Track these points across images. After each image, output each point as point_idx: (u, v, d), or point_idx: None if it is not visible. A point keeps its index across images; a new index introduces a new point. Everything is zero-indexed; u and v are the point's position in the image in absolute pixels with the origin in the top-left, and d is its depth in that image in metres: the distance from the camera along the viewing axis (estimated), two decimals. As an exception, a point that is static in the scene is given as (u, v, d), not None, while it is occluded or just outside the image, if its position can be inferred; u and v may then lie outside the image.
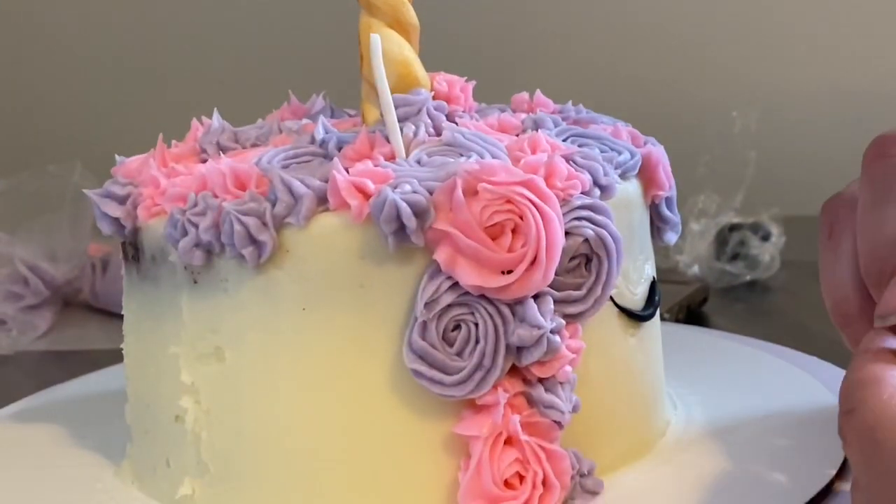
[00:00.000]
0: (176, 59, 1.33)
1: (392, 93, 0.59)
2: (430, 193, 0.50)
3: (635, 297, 0.58)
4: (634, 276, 0.58)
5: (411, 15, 0.62)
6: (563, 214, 0.52)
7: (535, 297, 0.51)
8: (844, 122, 1.29)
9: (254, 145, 0.61)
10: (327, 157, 0.56)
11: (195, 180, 0.55)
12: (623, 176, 0.57)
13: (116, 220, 0.58)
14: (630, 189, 0.58)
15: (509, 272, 0.50)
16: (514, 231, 0.50)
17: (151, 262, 0.57)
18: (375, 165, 0.53)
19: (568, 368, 0.52)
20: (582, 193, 0.53)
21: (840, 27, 1.31)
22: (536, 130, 0.58)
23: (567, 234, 0.52)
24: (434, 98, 0.61)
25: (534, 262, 0.50)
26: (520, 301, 0.51)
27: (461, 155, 0.53)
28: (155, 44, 1.35)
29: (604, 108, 0.66)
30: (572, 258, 0.53)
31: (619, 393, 0.58)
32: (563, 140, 0.57)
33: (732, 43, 1.31)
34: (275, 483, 0.53)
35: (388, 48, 0.60)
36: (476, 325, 0.51)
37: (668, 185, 0.60)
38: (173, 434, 0.56)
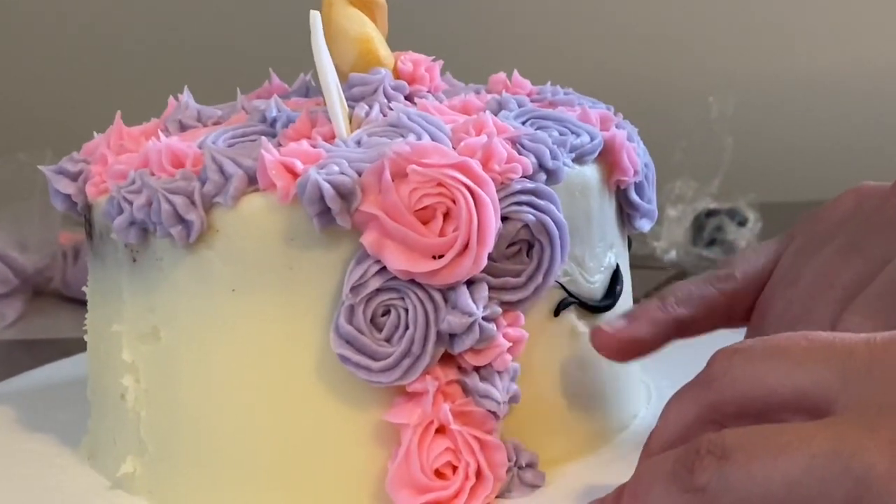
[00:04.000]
0: (149, 43, 1.32)
1: (351, 71, 0.59)
2: (360, 175, 0.49)
3: (592, 286, 0.56)
4: (591, 264, 0.56)
5: (376, -8, 0.60)
6: (502, 199, 0.50)
7: (470, 282, 0.50)
8: (821, 108, 1.28)
9: (216, 123, 0.60)
10: (274, 136, 0.55)
11: (139, 158, 0.54)
12: (580, 159, 0.55)
13: (68, 196, 0.58)
14: (587, 173, 0.56)
15: (440, 257, 0.49)
16: (445, 215, 0.49)
17: (100, 240, 0.57)
18: (313, 146, 0.52)
19: (507, 357, 0.51)
20: (524, 177, 0.51)
21: (816, 14, 1.30)
22: (499, 111, 0.57)
23: (506, 219, 0.50)
24: (397, 78, 0.59)
25: (465, 247, 0.49)
26: (452, 287, 0.49)
27: (401, 135, 0.52)
28: (127, 27, 1.34)
29: (580, 91, 0.65)
30: (512, 244, 0.51)
31: (567, 385, 0.56)
32: (524, 122, 0.56)
33: (710, 28, 1.31)
34: (209, 464, 0.53)
35: (348, 26, 0.59)
36: (406, 310, 0.50)
37: (632, 170, 0.58)
38: (118, 412, 0.56)
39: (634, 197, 0.59)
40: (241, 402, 0.52)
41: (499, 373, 0.51)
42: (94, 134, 0.61)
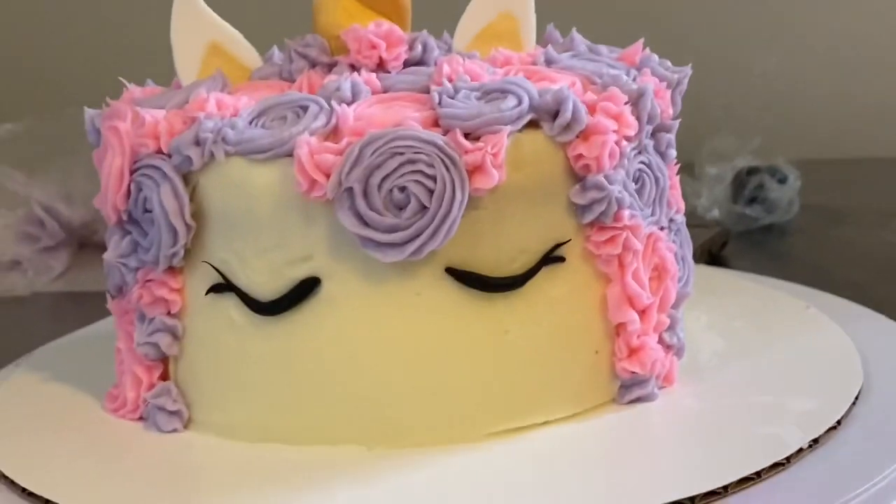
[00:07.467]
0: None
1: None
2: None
3: (257, 284, 0.55)
4: (258, 263, 0.55)
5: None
6: (133, 170, 0.57)
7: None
8: (863, 65, 1.25)
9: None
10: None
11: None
12: (251, 154, 0.55)
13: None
14: (256, 175, 0.54)
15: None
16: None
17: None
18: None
19: (159, 308, 0.58)
20: (166, 155, 0.56)
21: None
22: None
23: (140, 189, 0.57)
24: (339, 52, 0.61)
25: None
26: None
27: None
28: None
29: (621, 41, 0.64)
30: (146, 211, 0.57)
31: (223, 366, 0.58)
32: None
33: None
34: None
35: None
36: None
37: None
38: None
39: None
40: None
41: (149, 319, 0.58)
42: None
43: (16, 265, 1.01)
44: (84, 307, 0.89)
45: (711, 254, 0.94)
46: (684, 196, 0.62)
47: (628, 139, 0.56)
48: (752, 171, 1.03)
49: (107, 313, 0.63)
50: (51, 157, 1.05)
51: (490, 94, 0.55)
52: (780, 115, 1.06)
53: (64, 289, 0.99)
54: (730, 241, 0.98)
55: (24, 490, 0.54)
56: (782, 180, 1.02)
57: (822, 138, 1.19)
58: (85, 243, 1.04)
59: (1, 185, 1.05)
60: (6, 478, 0.55)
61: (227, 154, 0.54)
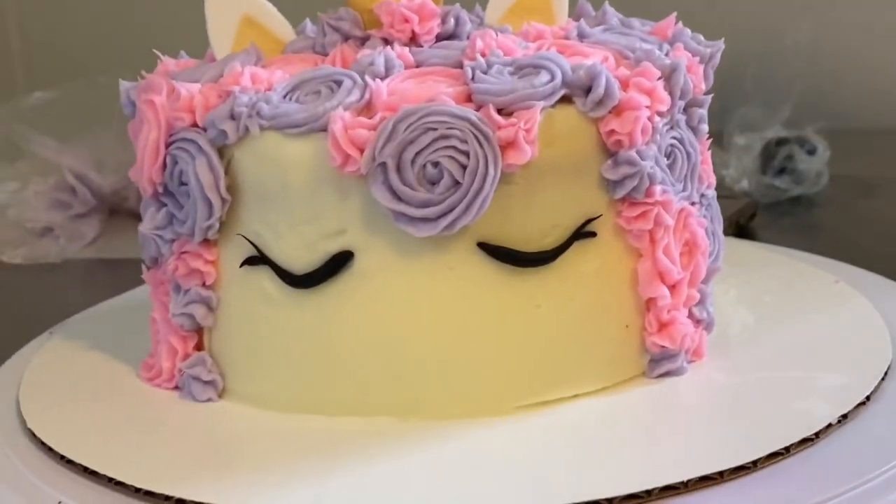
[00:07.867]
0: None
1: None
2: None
3: (291, 257, 0.56)
4: (293, 237, 0.56)
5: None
6: (168, 144, 0.57)
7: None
8: (894, 36, 1.24)
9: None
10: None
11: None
12: (284, 129, 0.55)
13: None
14: (289, 150, 0.55)
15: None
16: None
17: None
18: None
19: (193, 280, 0.59)
20: (201, 129, 0.57)
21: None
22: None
23: (175, 162, 0.57)
24: (371, 25, 0.61)
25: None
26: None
27: None
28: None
29: (652, 13, 0.64)
30: (182, 184, 0.58)
31: (257, 338, 0.59)
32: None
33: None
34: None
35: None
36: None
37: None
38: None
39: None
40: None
41: (185, 290, 0.59)
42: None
43: (48, 232, 1.02)
44: (115, 274, 0.90)
45: (739, 225, 0.94)
46: (712, 167, 0.62)
47: (661, 114, 0.56)
48: (781, 142, 1.02)
49: (138, 280, 0.64)
50: (82, 124, 1.06)
51: (523, 69, 0.55)
52: (810, 85, 1.05)
53: (95, 255, 1.00)
54: (758, 213, 0.98)
55: (62, 457, 0.54)
56: (811, 151, 1.01)
57: (851, 109, 1.18)
58: (116, 210, 1.06)
59: (33, 153, 1.06)
60: (45, 445, 0.56)
61: (262, 128, 0.55)
